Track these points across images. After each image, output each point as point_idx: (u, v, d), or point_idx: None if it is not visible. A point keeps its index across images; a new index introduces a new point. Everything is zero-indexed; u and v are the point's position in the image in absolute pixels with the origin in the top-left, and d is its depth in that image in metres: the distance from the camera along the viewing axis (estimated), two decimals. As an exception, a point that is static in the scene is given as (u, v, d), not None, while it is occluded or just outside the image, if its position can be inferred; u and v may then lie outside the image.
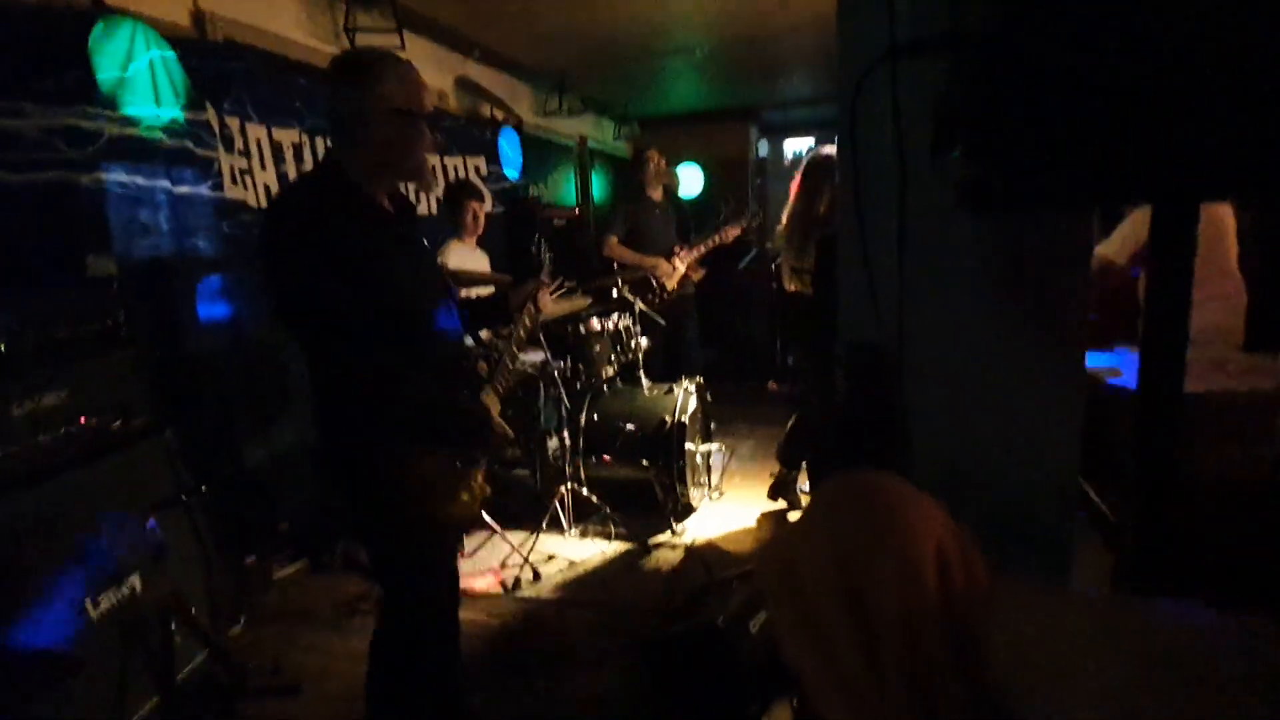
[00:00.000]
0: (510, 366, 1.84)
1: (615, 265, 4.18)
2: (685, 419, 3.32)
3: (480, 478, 1.71)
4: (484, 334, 3.29)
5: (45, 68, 2.15)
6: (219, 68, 2.78)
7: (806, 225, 2.99)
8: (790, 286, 3.25)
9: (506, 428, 1.70)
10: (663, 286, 4.27)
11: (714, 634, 1.97)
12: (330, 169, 1.57)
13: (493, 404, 1.77)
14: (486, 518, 3.06)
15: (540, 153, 5.74)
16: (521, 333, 1.90)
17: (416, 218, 1.74)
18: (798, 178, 3.15)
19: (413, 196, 3.54)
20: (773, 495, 3.51)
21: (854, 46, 1.06)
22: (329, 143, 3.37)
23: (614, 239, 4.34)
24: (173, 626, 2.05)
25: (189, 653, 2.14)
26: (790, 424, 3.46)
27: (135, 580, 2.03)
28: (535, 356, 3.64)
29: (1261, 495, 1.27)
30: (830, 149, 3.07)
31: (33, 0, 2.22)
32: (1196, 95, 0.66)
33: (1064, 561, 1.26)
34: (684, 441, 3.29)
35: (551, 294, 1.99)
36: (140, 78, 2.38)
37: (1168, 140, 0.68)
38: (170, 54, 2.47)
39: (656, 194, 4.45)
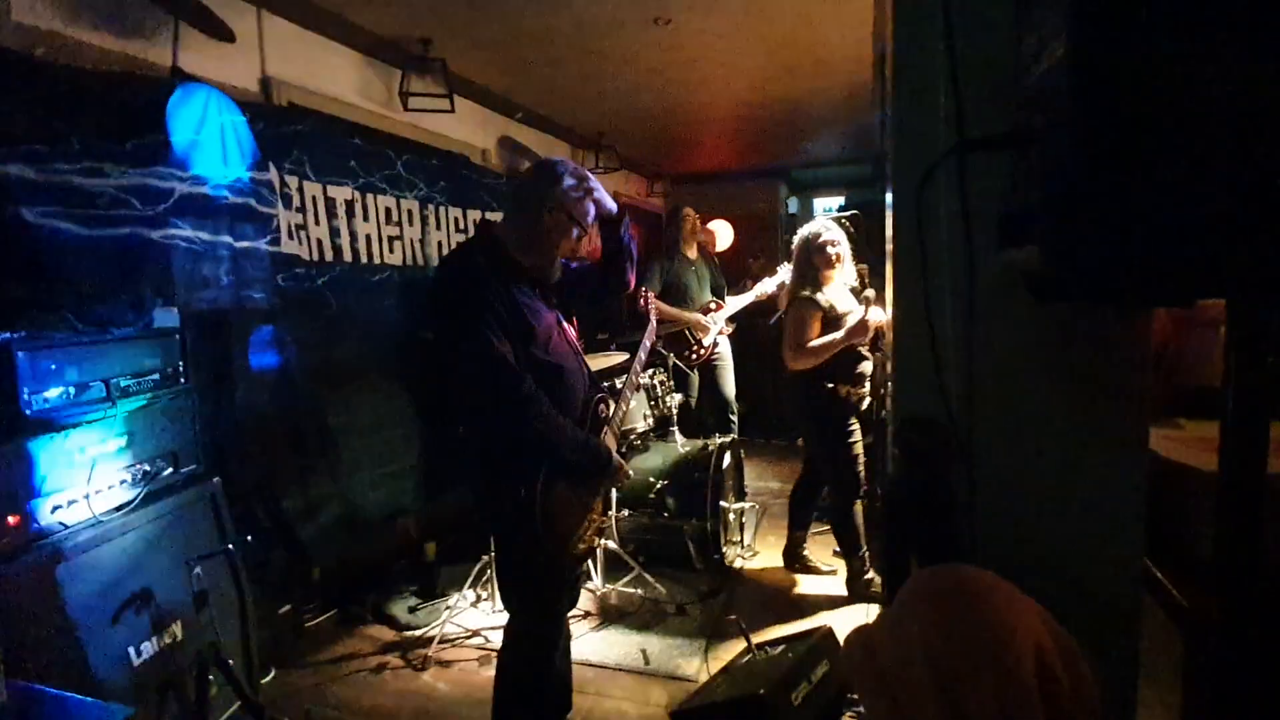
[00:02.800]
0: (624, 410, 2.12)
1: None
2: (720, 476, 3.30)
3: (599, 509, 1.98)
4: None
5: (127, 131, 2.29)
6: (282, 130, 2.93)
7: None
8: None
9: (625, 465, 1.97)
10: (699, 342, 4.30)
11: (756, 704, 1.92)
12: (489, 241, 1.89)
13: (611, 443, 1.99)
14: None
15: (576, 208, 5.89)
16: (629, 393, 2.24)
17: (555, 284, 2.02)
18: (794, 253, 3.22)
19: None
20: (789, 563, 3.41)
21: (911, 138, 1.09)
22: (380, 199, 3.51)
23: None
24: (210, 676, 2.04)
25: (223, 703, 2.13)
26: (797, 483, 3.38)
27: (177, 628, 2.04)
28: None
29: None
30: (816, 226, 3.12)
31: (118, 67, 2.38)
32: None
33: (1131, 646, 1.22)
34: (719, 499, 3.27)
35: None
36: (211, 140, 2.52)
37: (1249, 240, 0.69)
38: (240, 118, 2.61)
39: (691, 251, 4.52)
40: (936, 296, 0.96)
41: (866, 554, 3.13)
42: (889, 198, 1.39)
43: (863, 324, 2.86)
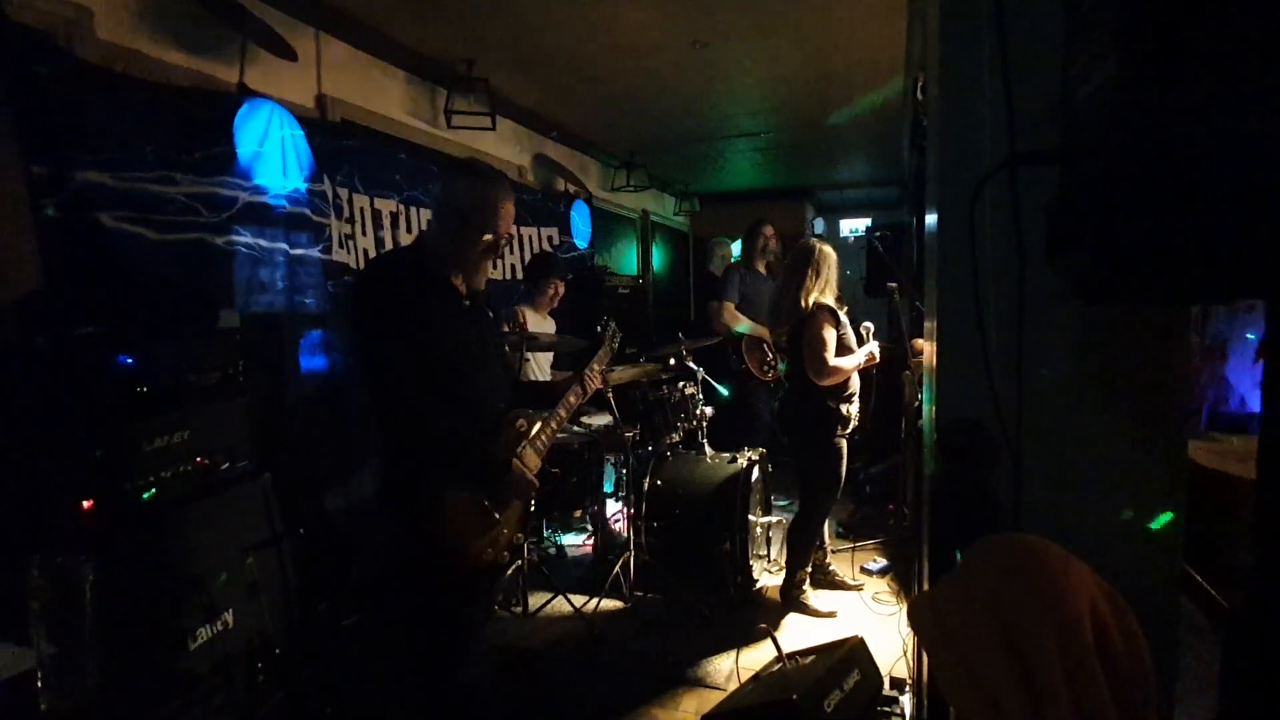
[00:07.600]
0: (549, 435, 2.00)
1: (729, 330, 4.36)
2: (748, 489, 3.33)
3: (510, 521, 1.88)
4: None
5: (197, 142, 2.42)
6: (335, 144, 3.06)
7: (785, 302, 3.18)
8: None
9: (532, 478, 1.88)
10: (776, 355, 4.35)
11: (789, 709, 1.94)
12: (415, 246, 1.90)
13: (530, 459, 1.92)
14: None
15: (607, 225, 6.03)
16: (563, 413, 2.09)
17: (487, 294, 1.97)
18: (788, 262, 3.30)
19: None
20: (815, 580, 3.38)
21: (956, 154, 1.16)
22: (421, 212, 3.64)
23: (730, 305, 4.45)
24: (258, 665, 2.12)
25: (269, 692, 2.19)
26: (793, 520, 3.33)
27: (229, 616, 2.12)
28: (602, 420, 3.74)
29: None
30: (813, 240, 3.26)
31: (190, 82, 2.52)
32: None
33: (1170, 649, 1.25)
34: (747, 512, 3.30)
35: (599, 373, 2.22)
36: (272, 152, 2.65)
37: (1267, 242, 0.74)
38: (299, 132, 2.75)
39: (762, 266, 4.58)
40: (986, 305, 1.02)
41: (808, 573, 3.27)
42: (932, 215, 1.45)
43: (872, 355, 3.14)
